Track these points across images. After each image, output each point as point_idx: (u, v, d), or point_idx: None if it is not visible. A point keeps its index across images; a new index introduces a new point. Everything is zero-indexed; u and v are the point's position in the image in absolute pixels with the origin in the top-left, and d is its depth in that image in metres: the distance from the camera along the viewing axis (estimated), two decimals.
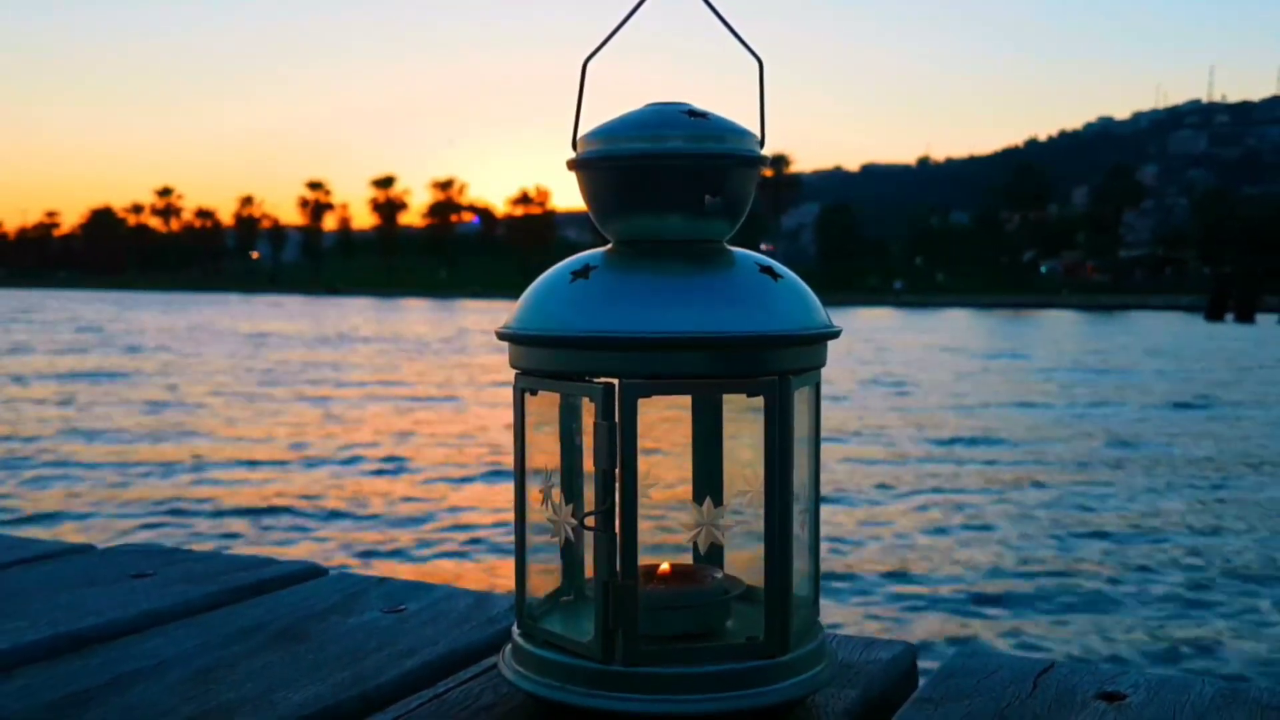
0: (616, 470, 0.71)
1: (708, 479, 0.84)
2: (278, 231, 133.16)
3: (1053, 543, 7.46)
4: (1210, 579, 6.59)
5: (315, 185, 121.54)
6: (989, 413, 14.65)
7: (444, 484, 9.36)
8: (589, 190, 0.78)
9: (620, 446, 0.71)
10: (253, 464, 10.18)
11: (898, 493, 9.12)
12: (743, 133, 0.77)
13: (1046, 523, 8.08)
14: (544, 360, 0.75)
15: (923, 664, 0.92)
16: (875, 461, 10.59)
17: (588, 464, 0.74)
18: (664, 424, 0.81)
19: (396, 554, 6.90)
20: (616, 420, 0.71)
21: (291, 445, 11.38)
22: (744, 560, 0.82)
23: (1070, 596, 6.17)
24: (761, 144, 0.79)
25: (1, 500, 8.48)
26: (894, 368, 21.76)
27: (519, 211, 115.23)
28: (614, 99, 0.82)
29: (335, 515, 8.06)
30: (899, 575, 6.56)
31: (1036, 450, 11.47)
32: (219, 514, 8.04)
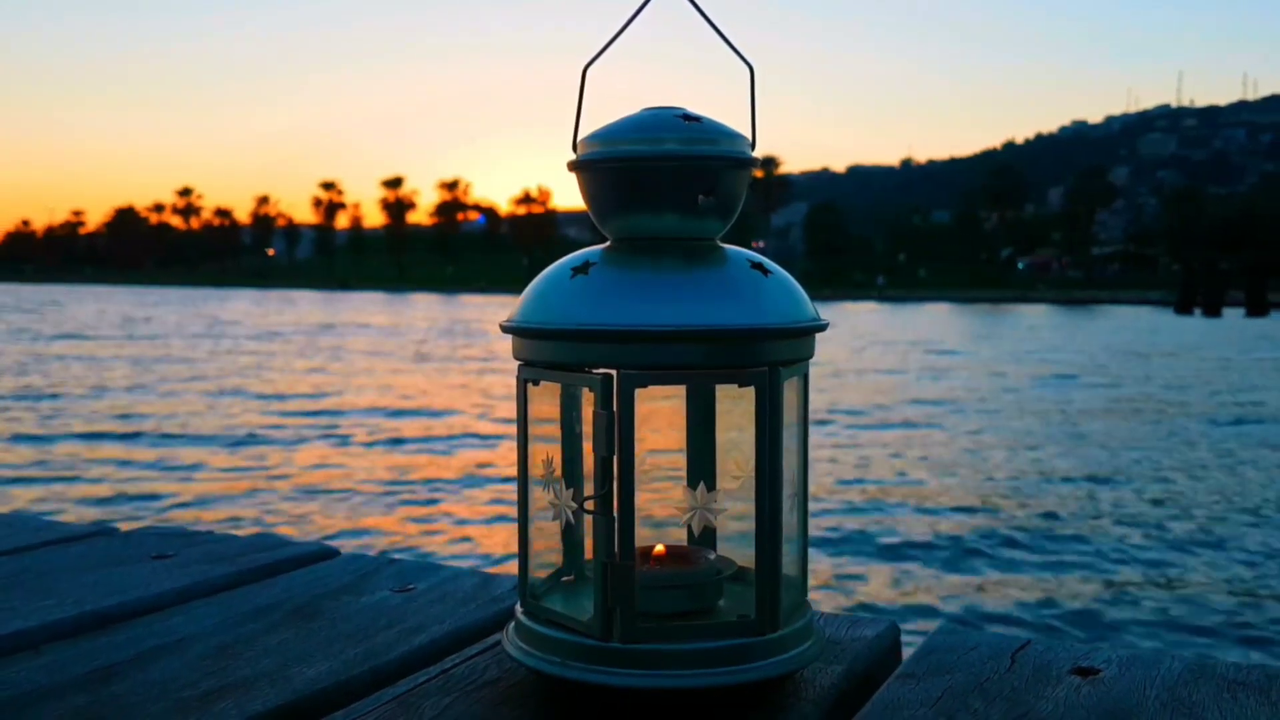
0: (614, 457, 0.71)
1: (701, 465, 0.84)
2: (292, 229, 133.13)
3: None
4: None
5: (328, 185, 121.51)
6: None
7: (455, 467, 9.37)
8: (589, 190, 0.78)
9: (618, 434, 0.71)
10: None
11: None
12: (735, 135, 0.77)
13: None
14: (546, 352, 0.75)
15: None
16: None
17: (587, 451, 0.74)
18: (660, 412, 0.81)
19: (407, 535, 6.90)
20: (615, 409, 0.71)
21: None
22: (736, 542, 0.82)
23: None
24: (752, 146, 0.78)
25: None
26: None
27: (522, 211, 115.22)
28: (612, 103, 0.81)
29: (347, 497, 8.06)
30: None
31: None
32: (240, 495, 8.05)
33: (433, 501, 7.98)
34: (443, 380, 17.21)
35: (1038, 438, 11.55)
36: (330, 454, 10.10)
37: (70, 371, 17.83)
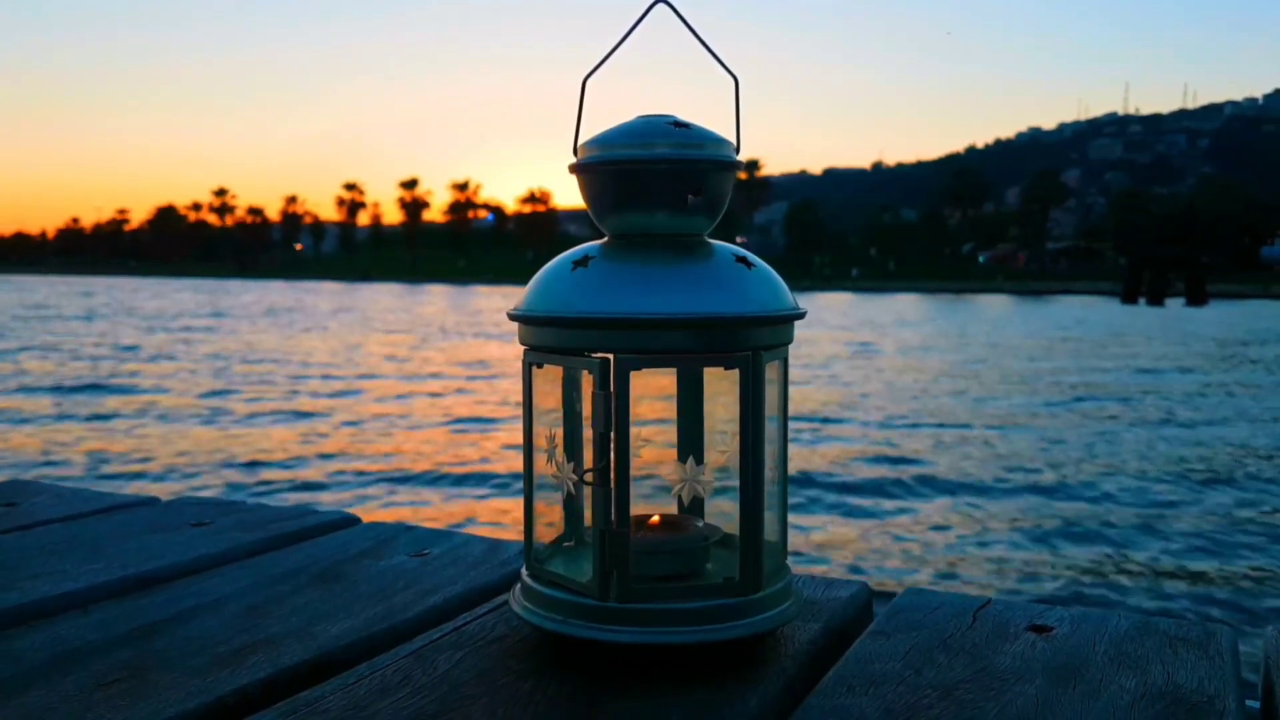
0: (611, 433, 0.71)
1: (691, 440, 0.84)
2: (318, 226, 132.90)
3: None
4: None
5: (351, 186, 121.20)
6: None
7: (462, 448, 9.36)
8: (588, 191, 0.78)
9: (615, 413, 0.71)
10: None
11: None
12: (721, 140, 0.77)
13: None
14: (549, 338, 0.75)
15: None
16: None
17: (586, 428, 0.74)
18: (653, 393, 0.81)
19: (422, 505, 6.90)
20: (611, 390, 0.71)
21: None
22: (722, 511, 0.82)
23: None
24: (737, 150, 0.78)
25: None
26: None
27: (527, 209, 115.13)
28: (609, 111, 0.81)
29: (369, 470, 8.06)
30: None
31: None
32: (270, 466, 8.04)
33: (448, 473, 7.98)
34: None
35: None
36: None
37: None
